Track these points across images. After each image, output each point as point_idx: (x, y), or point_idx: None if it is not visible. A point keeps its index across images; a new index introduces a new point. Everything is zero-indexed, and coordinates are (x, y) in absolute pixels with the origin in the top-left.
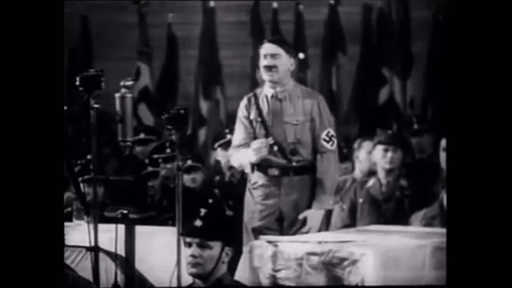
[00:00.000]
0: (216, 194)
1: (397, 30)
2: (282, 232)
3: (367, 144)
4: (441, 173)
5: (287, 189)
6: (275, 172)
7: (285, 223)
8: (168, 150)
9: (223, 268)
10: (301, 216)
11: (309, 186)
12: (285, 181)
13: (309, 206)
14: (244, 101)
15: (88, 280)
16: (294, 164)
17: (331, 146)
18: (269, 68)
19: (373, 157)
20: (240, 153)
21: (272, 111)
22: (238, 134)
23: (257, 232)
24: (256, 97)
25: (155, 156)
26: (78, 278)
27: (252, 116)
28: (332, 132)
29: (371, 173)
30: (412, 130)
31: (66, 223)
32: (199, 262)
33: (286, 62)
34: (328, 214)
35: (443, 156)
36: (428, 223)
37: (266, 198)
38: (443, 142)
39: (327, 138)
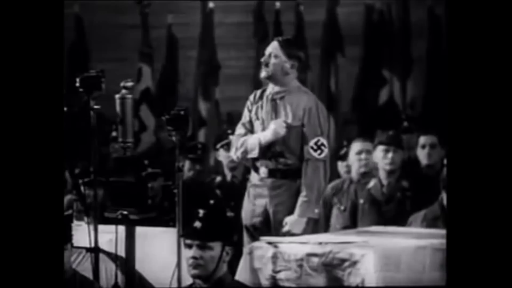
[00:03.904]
0: (218, 195)
1: (397, 31)
2: (269, 234)
3: (356, 145)
4: (422, 169)
5: (275, 191)
6: (264, 173)
7: (271, 225)
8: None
9: (223, 268)
10: (283, 222)
11: (296, 192)
12: (274, 183)
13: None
14: (251, 96)
15: (93, 280)
16: (281, 167)
17: (319, 155)
18: (263, 64)
19: (374, 157)
20: (253, 136)
21: (267, 111)
22: (240, 128)
23: (248, 230)
24: (262, 94)
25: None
26: (84, 278)
27: (253, 113)
28: (322, 141)
29: (364, 174)
30: (401, 127)
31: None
32: (200, 263)
33: (281, 63)
34: (327, 216)
35: (421, 152)
36: (429, 224)
37: (256, 198)
38: (422, 139)
39: (315, 147)
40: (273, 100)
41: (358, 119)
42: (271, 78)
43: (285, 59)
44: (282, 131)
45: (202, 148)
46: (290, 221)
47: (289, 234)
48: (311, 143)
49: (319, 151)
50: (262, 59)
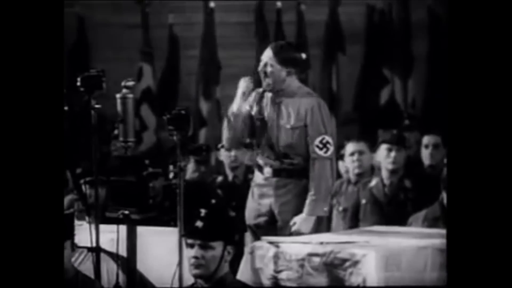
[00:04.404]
0: (219, 195)
1: (398, 31)
2: (275, 233)
3: (349, 146)
4: (424, 170)
5: (280, 191)
6: (268, 172)
7: (277, 224)
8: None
9: (225, 268)
10: (291, 222)
11: (301, 191)
12: (279, 183)
13: (301, 211)
14: (252, 95)
15: (94, 280)
16: (286, 166)
17: (325, 153)
18: (261, 74)
19: (376, 156)
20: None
21: (269, 112)
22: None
23: (252, 230)
24: (263, 95)
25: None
26: (86, 278)
27: (253, 112)
28: (327, 139)
29: (359, 174)
30: (402, 125)
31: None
32: (201, 263)
33: (277, 72)
34: (328, 217)
35: (424, 152)
36: (430, 224)
37: (261, 198)
38: (425, 139)
39: (321, 145)
40: (276, 103)
41: (360, 119)
42: (272, 87)
43: (280, 68)
44: (250, 86)
45: (207, 149)
46: (299, 220)
47: (297, 233)
48: (316, 141)
49: (325, 149)
50: (259, 69)
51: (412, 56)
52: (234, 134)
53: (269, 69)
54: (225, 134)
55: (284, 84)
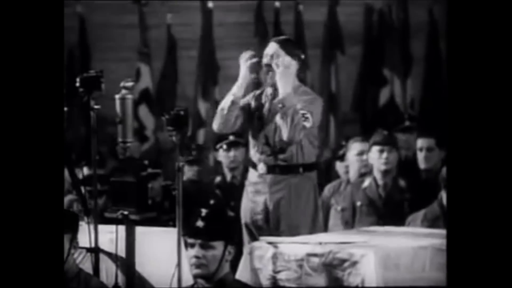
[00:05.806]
0: (218, 195)
1: (398, 31)
2: (269, 231)
3: (356, 146)
4: (420, 172)
5: (274, 187)
6: (262, 169)
7: (271, 221)
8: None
9: (226, 268)
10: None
11: (295, 187)
12: (273, 180)
13: (296, 207)
14: (251, 94)
15: (99, 279)
16: (280, 163)
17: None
18: (265, 66)
19: (369, 158)
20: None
21: (268, 108)
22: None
23: (248, 229)
24: (261, 93)
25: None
26: (89, 276)
27: (253, 106)
28: (308, 115)
29: (362, 175)
30: (402, 127)
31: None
32: (202, 262)
33: (285, 63)
34: (326, 217)
35: (419, 155)
36: (429, 224)
37: (256, 195)
38: (419, 142)
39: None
40: (274, 99)
41: (359, 119)
42: (278, 81)
43: (288, 59)
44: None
45: (197, 148)
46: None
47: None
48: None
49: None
50: (265, 62)
51: (411, 56)
52: (228, 118)
53: (275, 60)
54: (218, 117)
55: (289, 78)
